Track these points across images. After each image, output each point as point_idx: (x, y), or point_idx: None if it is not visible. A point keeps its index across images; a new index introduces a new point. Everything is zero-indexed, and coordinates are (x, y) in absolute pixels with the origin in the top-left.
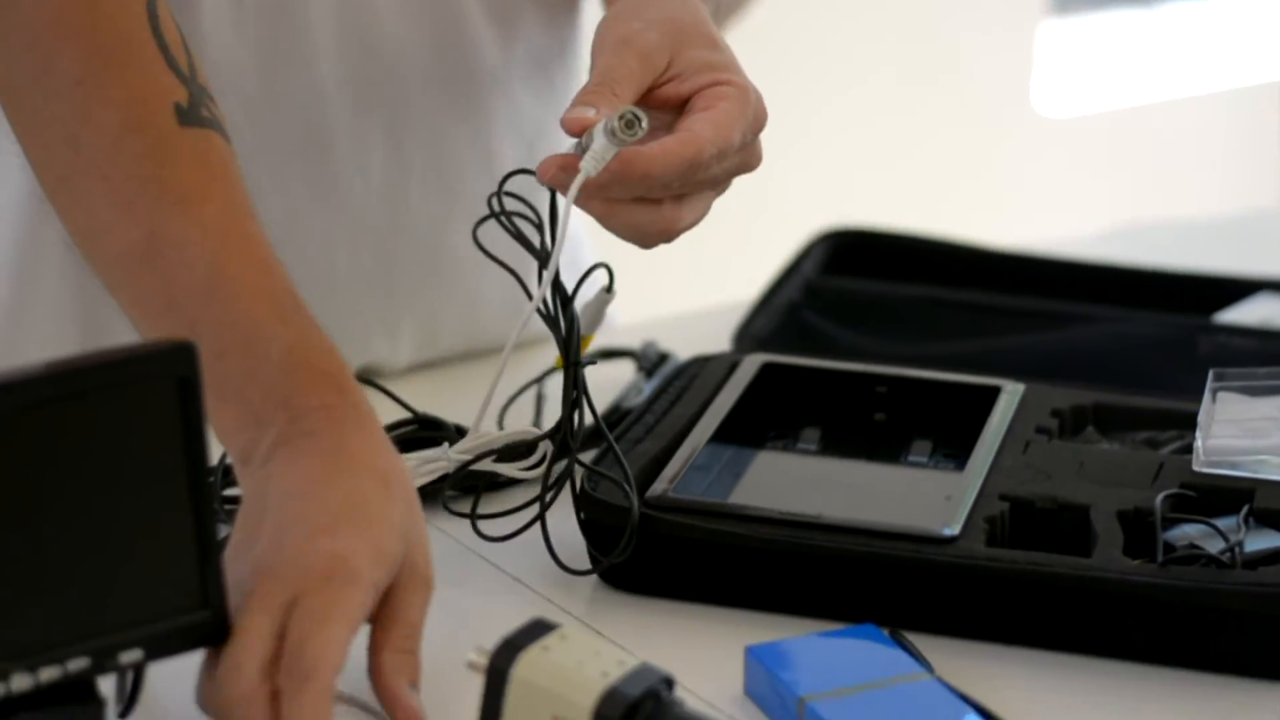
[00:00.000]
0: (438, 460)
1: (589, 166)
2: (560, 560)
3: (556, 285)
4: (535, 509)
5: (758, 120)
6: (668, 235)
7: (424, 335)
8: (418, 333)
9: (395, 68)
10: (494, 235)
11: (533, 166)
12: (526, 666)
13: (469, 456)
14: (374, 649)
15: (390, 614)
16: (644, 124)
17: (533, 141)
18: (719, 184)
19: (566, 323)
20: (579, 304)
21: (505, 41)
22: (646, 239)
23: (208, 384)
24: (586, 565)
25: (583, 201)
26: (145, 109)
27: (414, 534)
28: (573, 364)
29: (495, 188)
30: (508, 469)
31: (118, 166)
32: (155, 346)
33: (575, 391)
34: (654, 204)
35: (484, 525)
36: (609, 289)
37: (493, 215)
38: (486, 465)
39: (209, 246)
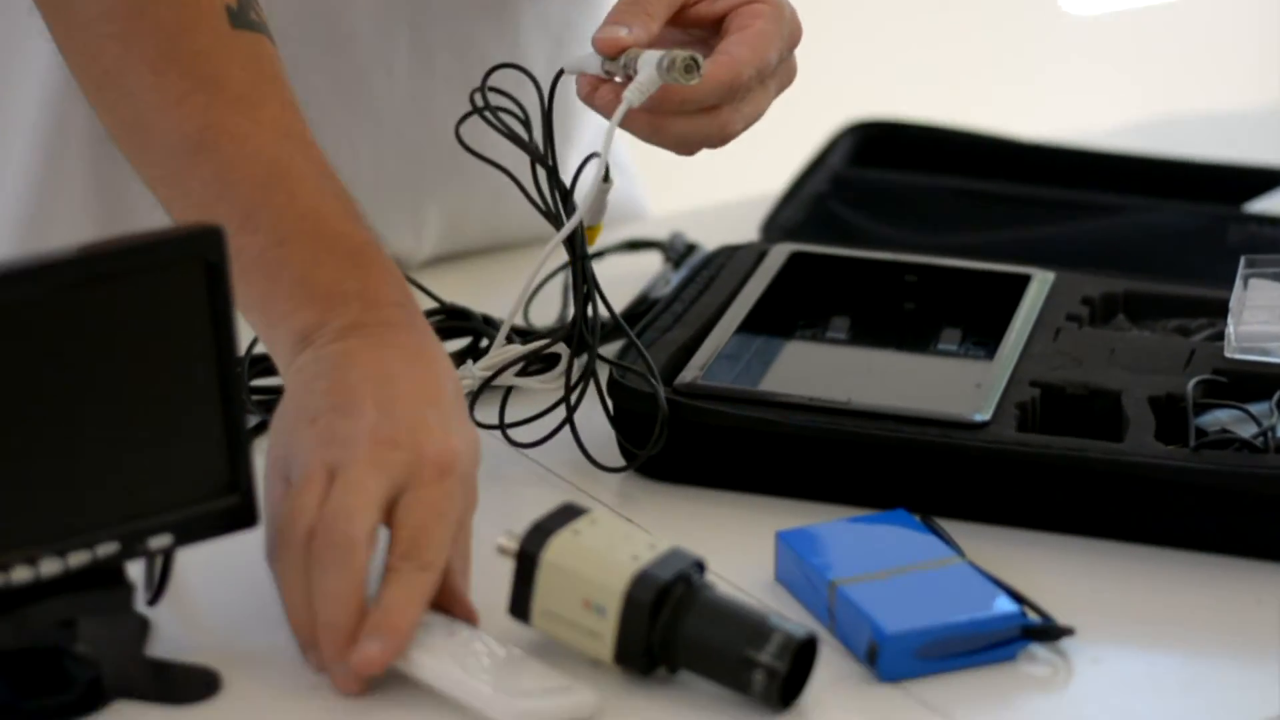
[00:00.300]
0: (463, 378)
1: (633, 97)
2: (592, 457)
3: (555, 180)
4: (562, 411)
5: (793, 37)
6: (717, 144)
7: (449, 229)
8: (442, 226)
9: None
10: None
11: (560, 65)
12: (557, 550)
13: (491, 373)
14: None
15: None
16: (701, 70)
17: (560, 38)
18: (770, 96)
19: (568, 217)
20: (579, 196)
21: None
22: (691, 149)
23: (262, 268)
24: (617, 460)
25: (624, 122)
26: (198, 10)
27: None
28: (580, 259)
29: (522, 87)
30: (530, 383)
31: (172, 63)
32: (183, 231)
33: (586, 286)
34: (697, 116)
35: (514, 429)
36: (606, 178)
37: (476, 111)
38: (510, 379)
39: (268, 141)
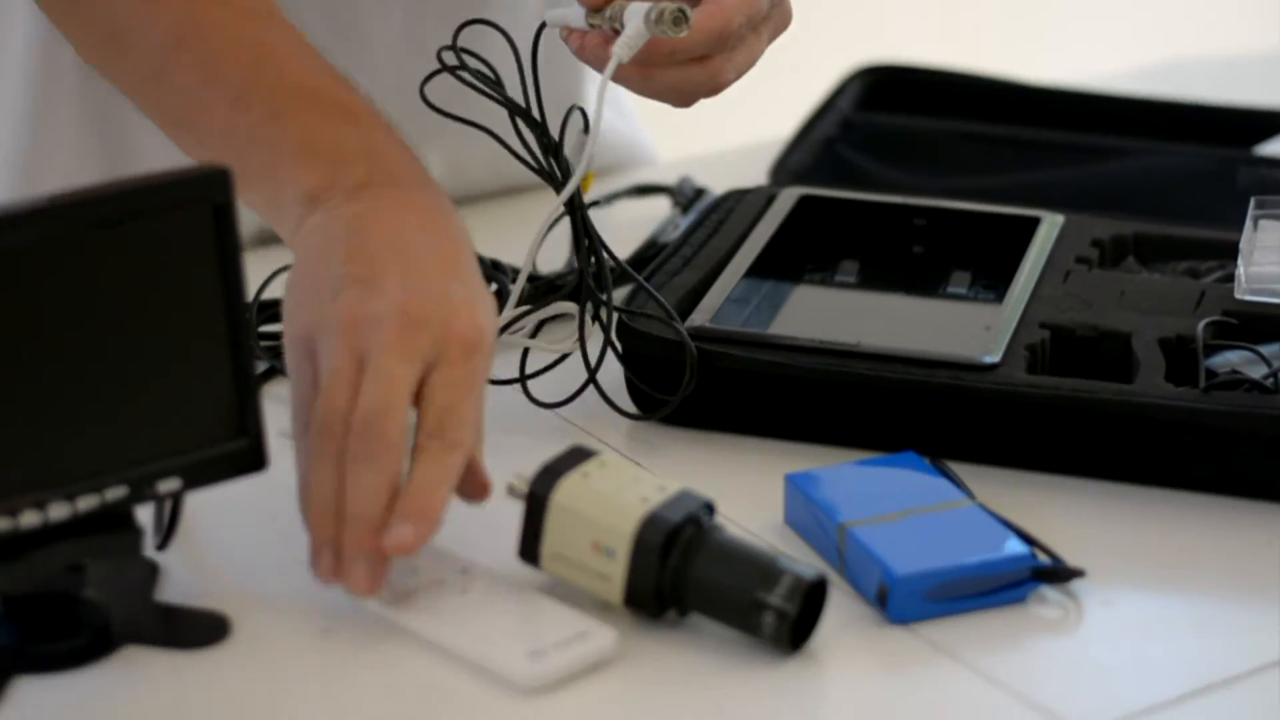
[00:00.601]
0: None
1: (622, 52)
2: (620, 407)
3: (544, 136)
4: (577, 367)
5: None
6: (710, 93)
7: (450, 171)
8: (443, 169)
9: None
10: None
11: (556, 10)
12: (566, 492)
13: (505, 331)
14: None
15: None
16: (689, 21)
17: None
18: (763, 43)
19: (561, 170)
20: (568, 150)
21: None
22: (686, 99)
23: (260, 141)
24: (633, 407)
25: (615, 76)
26: None
27: None
28: (580, 215)
29: (526, 30)
30: (543, 344)
31: None
32: (189, 172)
33: (586, 239)
34: (688, 66)
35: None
36: (585, 130)
37: (445, 69)
38: (523, 340)
39: (249, 26)
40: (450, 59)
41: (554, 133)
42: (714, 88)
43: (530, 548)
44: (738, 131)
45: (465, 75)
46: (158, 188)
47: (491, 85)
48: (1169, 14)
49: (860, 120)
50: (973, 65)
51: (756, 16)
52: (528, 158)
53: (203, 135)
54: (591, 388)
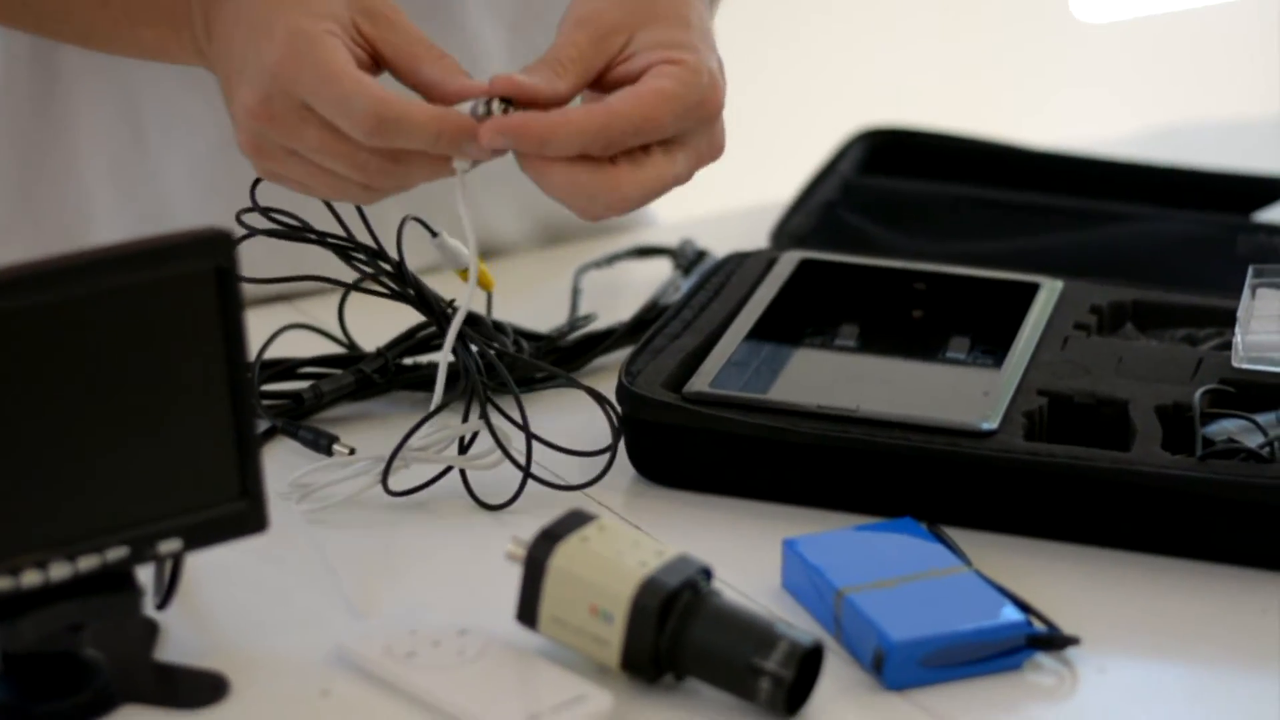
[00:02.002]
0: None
1: (461, 165)
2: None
3: (380, 256)
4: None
5: (704, 106)
6: (615, 206)
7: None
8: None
9: None
10: None
11: (518, 56)
12: (565, 556)
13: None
14: (414, 74)
15: (394, 36)
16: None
17: (516, 25)
18: (677, 168)
19: (415, 289)
20: (441, 250)
21: None
22: (585, 208)
23: (132, 21)
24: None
25: (526, 168)
26: None
27: None
28: (444, 318)
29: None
30: (463, 462)
31: None
32: (193, 235)
33: (465, 349)
34: (575, 167)
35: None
36: (434, 233)
37: (252, 234)
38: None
39: None
40: (255, 210)
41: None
42: (614, 201)
43: (528, 611)
44: (739, 194)
45: (272, 224)
46: (160, 250)
47: (298, 231)
48: (1170, 79)
49: (861, 184)
50: (974, 129)
51: (654, 130)
52: (383, 288)
53: (91, 33)
54: (581, 451)
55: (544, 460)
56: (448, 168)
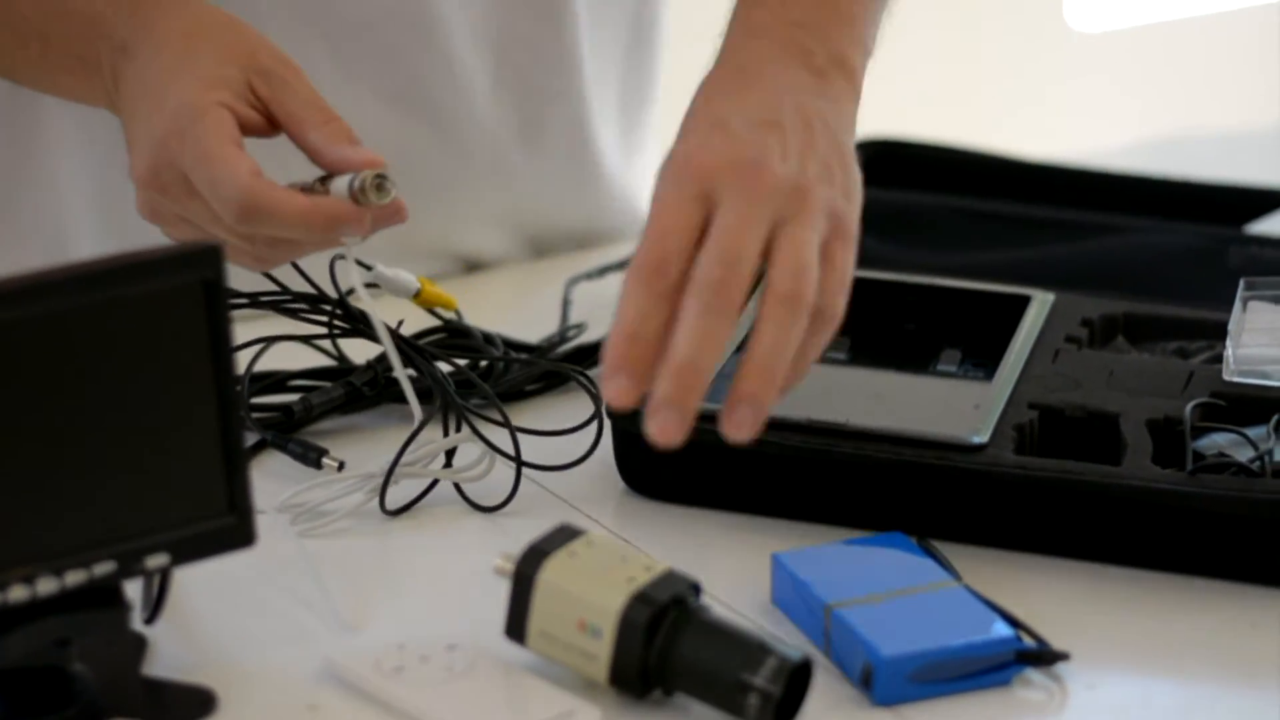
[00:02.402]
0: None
1: (350, 239)
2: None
3: (320, 299)
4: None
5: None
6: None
7: (400, 250)
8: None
9: None
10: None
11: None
12: (553, 571)
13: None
14: (301, 138)
15: (285, 98)
16: (392, 191)
17: (503, 48)
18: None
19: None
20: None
21: None
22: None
23: (50, 67)
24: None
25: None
26: None
27: (258, 40)
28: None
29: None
30: (451, 475)
31: None
32: (181, 249)
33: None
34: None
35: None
36: (368, 268)
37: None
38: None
39: None
40: None
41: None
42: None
43: (517, 626)
44: None
45: None
46: (147, 264)
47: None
48: (1163, 90)
49: None
50: (967, 139)
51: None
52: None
53: (16, 73)
54: (580, 466)
55: (533, 458)
56: (333, 241)
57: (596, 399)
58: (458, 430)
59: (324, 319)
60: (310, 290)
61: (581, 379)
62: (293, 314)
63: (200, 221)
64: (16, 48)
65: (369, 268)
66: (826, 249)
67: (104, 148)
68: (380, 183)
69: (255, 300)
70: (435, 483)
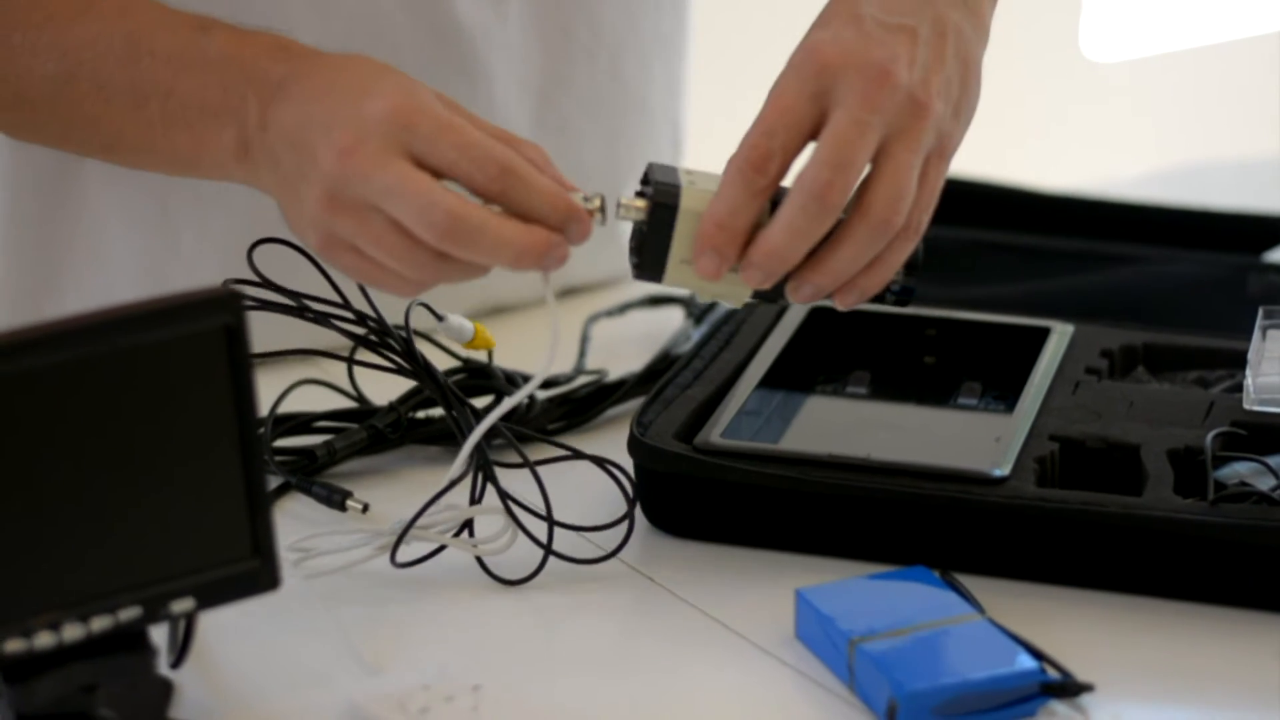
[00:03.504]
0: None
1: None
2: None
3: (385, 334)
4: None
5: (831, 73)
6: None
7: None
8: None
9: (372, 32)
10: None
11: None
12: (691, 198)
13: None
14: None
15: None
16: (607, 214)
17: (544, 90)
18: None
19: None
20: (441, 333)
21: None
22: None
23: (169, 124)
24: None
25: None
26: None
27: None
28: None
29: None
30: (472, 548)
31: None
32: (202, 295)
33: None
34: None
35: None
36: (439, 317)
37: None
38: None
39: (118, 27)
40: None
41: None
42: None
43: (654, 261)
44: None
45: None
46: (169, 310)
47: (289, 308)
48: (1180, 119)
49: None
50: (983, 170)
51: (787, 135)
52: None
53: (119, 142)
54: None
55: (558, 503)
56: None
57: (629, 499)
58: (483, 488)
59: (391, 358)
60: (376, 323)
61: (612, 470)
62: (353, 336)
63: (375, 237)
64: (131, 109)
65: (440, 317)
66: (924, 166)
67: (149, 223)
68: (604, 204)
69: (323, 318)
70: (443, 547)
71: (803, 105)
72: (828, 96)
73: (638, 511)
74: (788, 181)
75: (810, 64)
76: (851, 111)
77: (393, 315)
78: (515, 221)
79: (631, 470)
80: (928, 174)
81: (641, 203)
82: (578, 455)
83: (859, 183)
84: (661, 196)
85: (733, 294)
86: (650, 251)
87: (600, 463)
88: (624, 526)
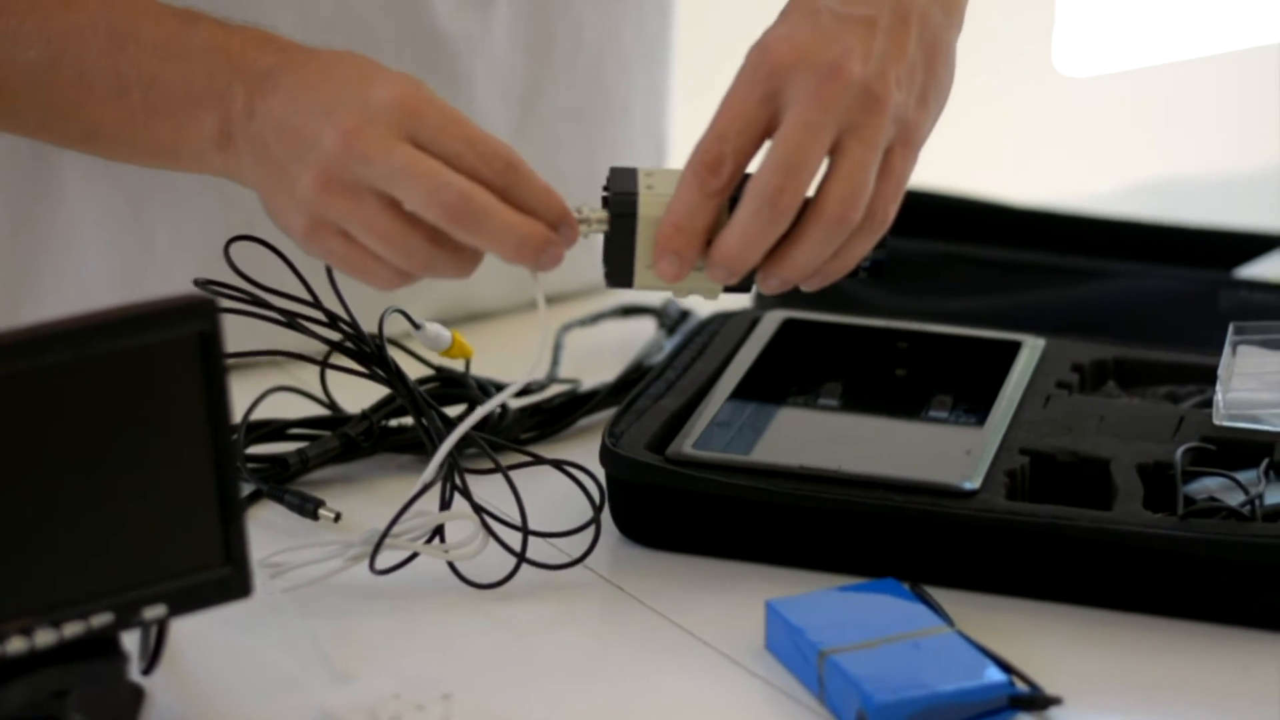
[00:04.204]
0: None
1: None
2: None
3: (360, 340)
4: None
5: (782, 72)
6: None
7: (418, 302)
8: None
9: (351, 36)
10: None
11: (526, 130)
12: (649, 204)
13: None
14: None
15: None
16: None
17: (526, 98)
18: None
19: (397, 376)
20: (418, 340)
21: (468, 5)
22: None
23: (150, 112)
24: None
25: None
26: None
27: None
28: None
29: None
30: (443, 554)
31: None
32: (175, 302)
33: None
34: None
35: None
36: (416, 325)
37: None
38: (420, 548)
39: (102, 15)
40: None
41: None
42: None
43: (621, 269)
44: None
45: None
46: (142, 317)
47: (265, 316)
48: (1152, 134)
49: None
50: (956, 183)
51: (739, 138)
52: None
53: (98, 131)
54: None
55: (530, 502)
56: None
57: (595, 506)
58: (452, 495)
59: (354, 348)
60: (350, 326)
61: (575, 473)
62: (323, 337)
63: (368, 221)
64: (113, 97)
65: (417, 325)
66: (887, 157)
67: (124, 221)
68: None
69: (292, 321)
70: (416, 554)
71: (754, 108)
72: (780, 97)
73: (609, 520)
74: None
75: (762, 65)
76: (803, 112)
77: (368, 322)
78: (519, 212)
79: (596, 474)
80: (892, 164)
81: (602, 213)
82: (539, 460)
83: (817, 179)
84: (619, 207)
85: (705, 290)
86: (615, 259)
87: (560, 466)
88: (591, 532)
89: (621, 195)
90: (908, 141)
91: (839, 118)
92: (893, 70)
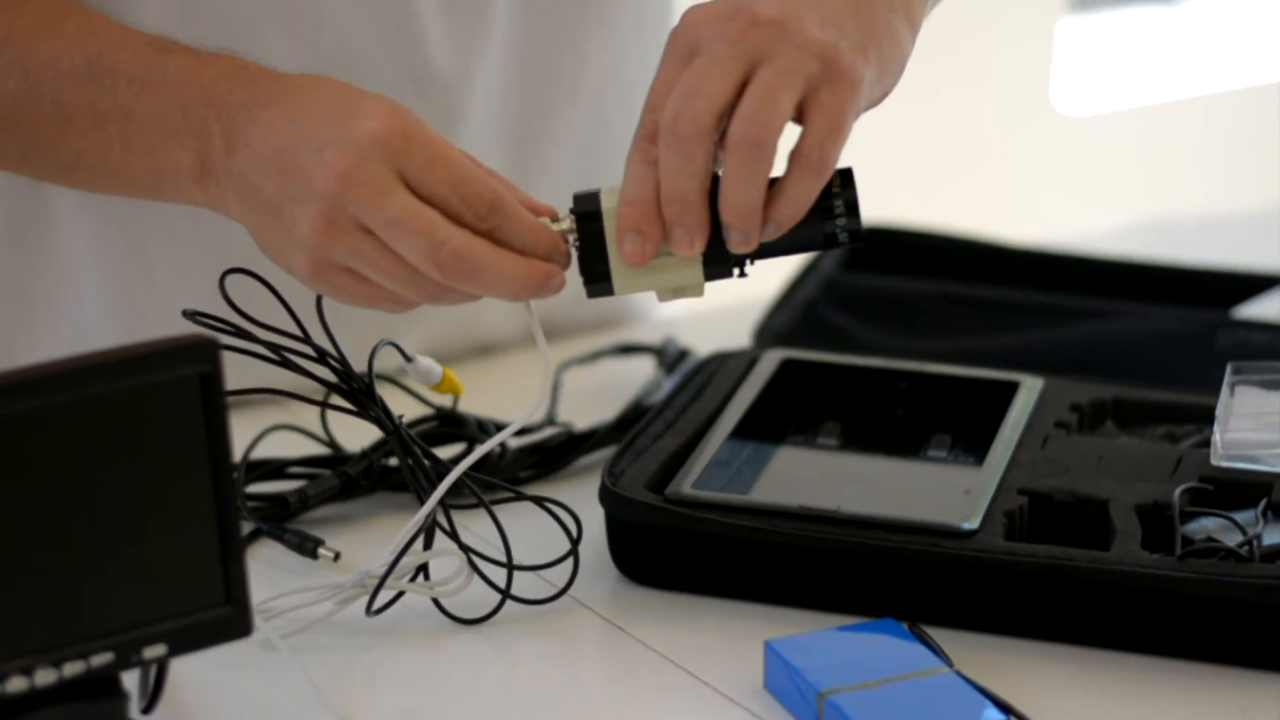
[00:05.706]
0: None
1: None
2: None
3: (349, 377)
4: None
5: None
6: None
7: (420, 331)
8: (415, 329)
9: (348, 69)
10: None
11: (523, 165)
12: (613, 199)
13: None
14: None
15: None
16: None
17: (523, 133)
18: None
19: (380, 407)
20: (410, 374)
21: (466, 42)
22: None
23: (127, 145)
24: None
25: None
26: None
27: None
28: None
29: None
30: (429, 591)
31: None
32: (176, 343)
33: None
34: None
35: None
36: (408, 358)
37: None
38: (405, 586)
39: (79, 46)
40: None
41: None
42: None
43: (599, 274)
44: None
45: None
46: (143, 357)
47: (246, 336)
48: (1150, 174)
49: (843, 281)
50: (955, 224)
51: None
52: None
53: (78, 163)
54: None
55: (517, 544)
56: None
57: (573, 539)
58: (434, 532)
59: (351, 400)
60: (339, 362)
61: (553, 509)
62: (339, 390)
63: (373, 260)
64: (91, 130)
65: (409, 358)
66: (814, 94)
67: (121, 256)
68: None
69: (283, 358)
70: (403, 593)
71: (673, 72)
72: (694, 54)
73: (608, 560)
74: None
75: (679, 32)
76: (709, 51)
77: (364, 355)
78: (515, 255)
79: (575, 510)
80: (822, 100)
81: (568, 221)
82: (520, 496)
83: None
84: (581, 206)
85: (685, 282)
86: (591, 265)
87: (540, 502)
88: (571, 565)
89: (583, 196)
90: (839, 79)
91: (745, 50)
92: (811, 15)
